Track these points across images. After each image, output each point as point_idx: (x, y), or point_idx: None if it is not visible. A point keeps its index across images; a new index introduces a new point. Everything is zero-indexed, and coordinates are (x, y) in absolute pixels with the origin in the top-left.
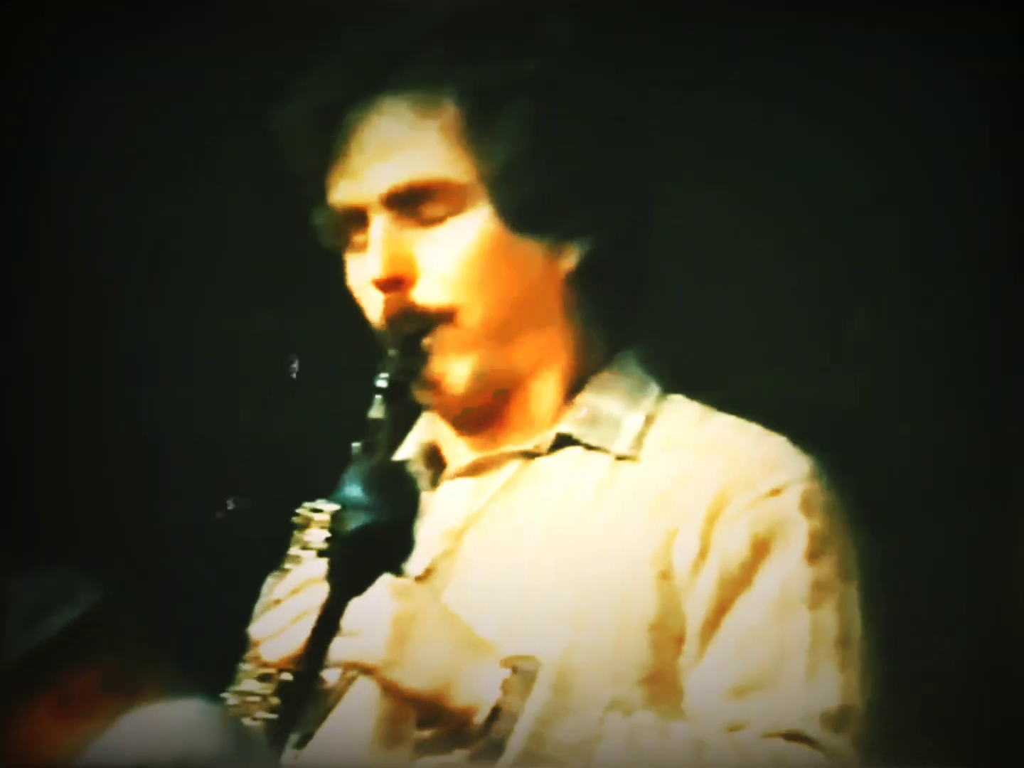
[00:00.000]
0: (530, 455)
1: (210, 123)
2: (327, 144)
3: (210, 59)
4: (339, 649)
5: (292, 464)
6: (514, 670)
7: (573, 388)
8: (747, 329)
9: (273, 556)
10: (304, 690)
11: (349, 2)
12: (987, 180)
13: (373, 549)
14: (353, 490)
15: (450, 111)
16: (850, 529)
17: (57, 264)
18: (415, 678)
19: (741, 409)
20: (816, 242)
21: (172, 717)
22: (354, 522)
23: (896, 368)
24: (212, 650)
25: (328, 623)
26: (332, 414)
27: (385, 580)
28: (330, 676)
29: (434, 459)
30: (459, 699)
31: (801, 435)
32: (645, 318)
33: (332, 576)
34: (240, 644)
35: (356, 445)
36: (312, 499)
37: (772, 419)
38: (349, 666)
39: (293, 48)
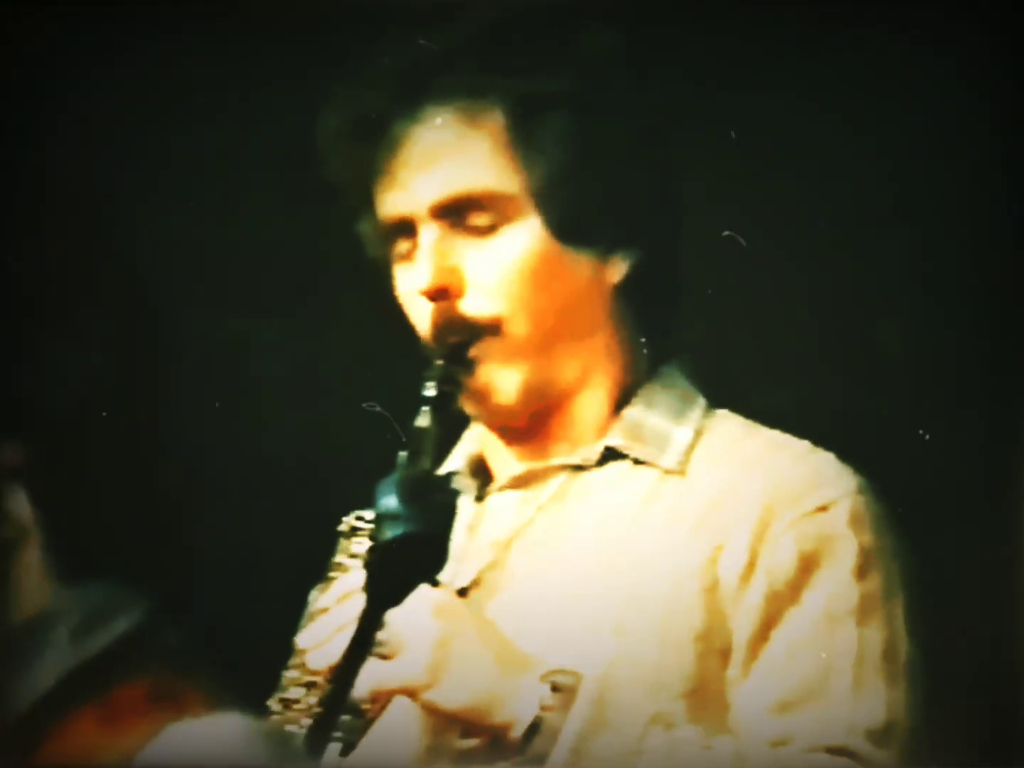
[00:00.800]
0: (578, 468)
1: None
2: (372, 154)
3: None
4: (378, 673)
5: (335, 474)
6: (554, 686)
7: (619, 400)
8: (786, 339)
9: (316, 567)
10: (341, 699)
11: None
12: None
13: (408, 559)
14: (389, 500)
15: (495, 121)
16: (896, 545)
17: (99, 277)
18: (455, 698)
19: (784, 421)
20: (843, 252)
21: (215, 730)
22: (390, 532)
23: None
24: (255, 663)
25: (365, 633)
26: (374, 424)
27: (427, 596)
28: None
29: (481, 471)
30: (499, 716)
31: (844, 448)
32: (688, 330)
33: (368, 586)
34: (282, 656)
35: (402, 454)
36: (357, 508)
37: (812, 430)
38: (388, 693)
39: (322, 54)
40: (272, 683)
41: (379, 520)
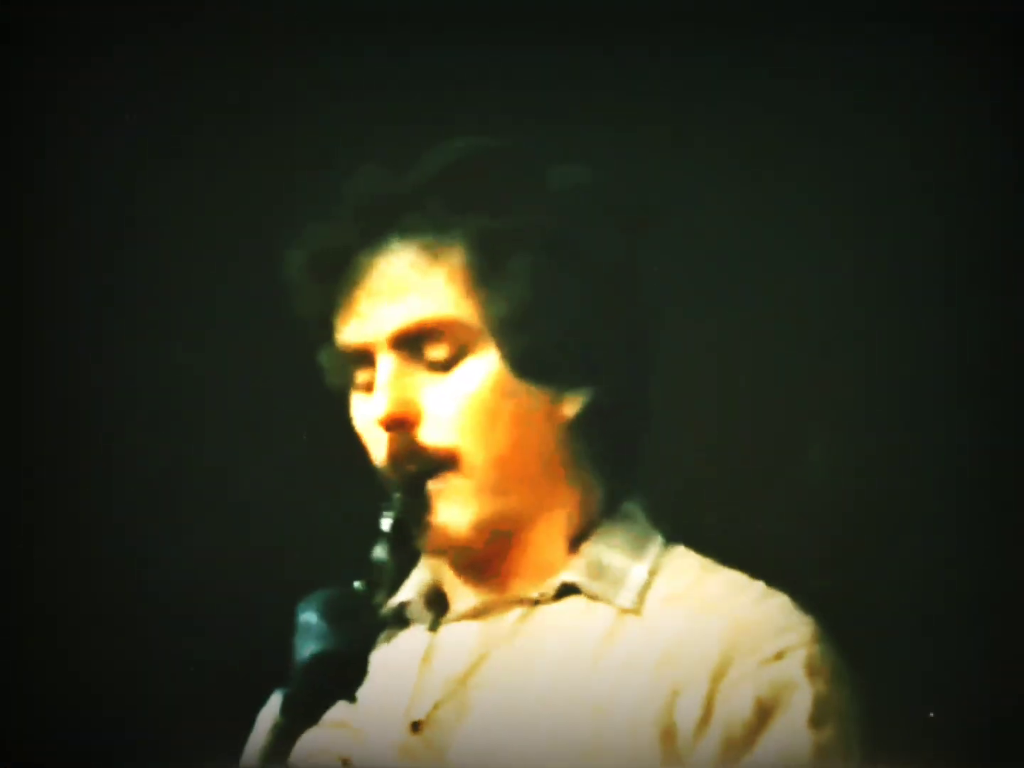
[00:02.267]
0: (535, 602)
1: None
2: (334, 290)
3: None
4: None
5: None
6: None
7: (577, 536)
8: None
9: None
10: None
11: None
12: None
13: (325, 677)
14: (310, 616)
15: (458, 256)
16: (851, 693)
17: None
18: None
19: (739, 556)
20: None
21: None
22: (308, 649)
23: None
24: None
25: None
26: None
27: (392, 737)
28: None
29: (436, 601)
30: None
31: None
32: (646, 465)
33: (285, 703)
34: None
35: (358, 584)
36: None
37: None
38: None
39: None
40: None
41: (297, 637)
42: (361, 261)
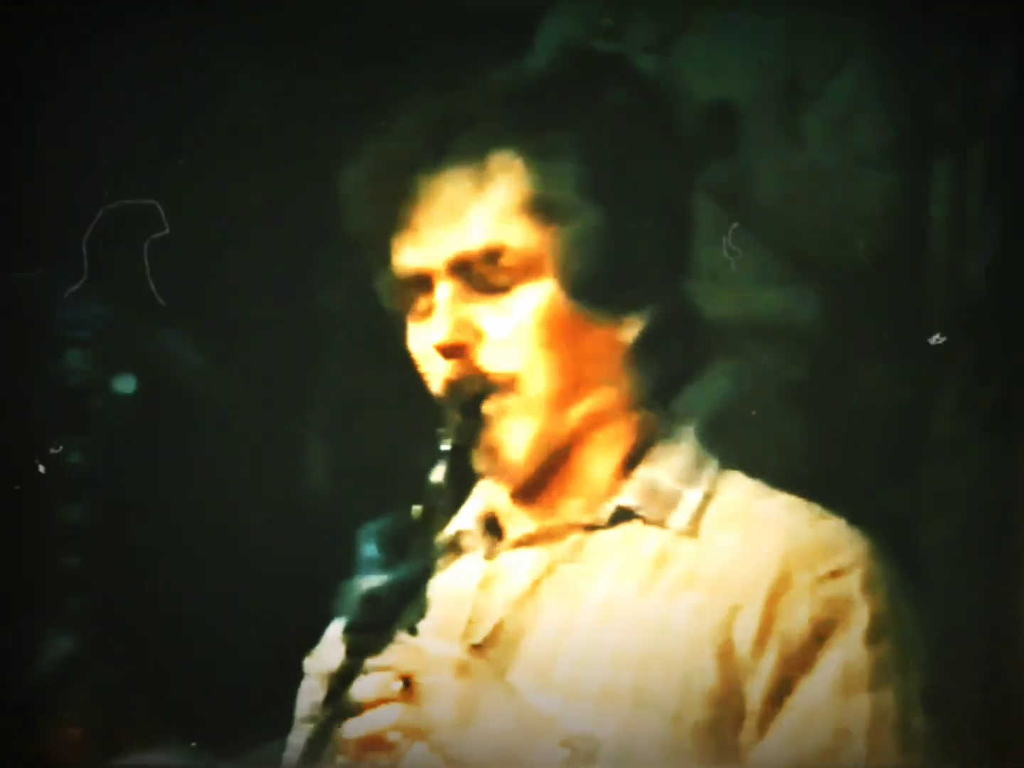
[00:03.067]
0: (589, 527)
1: None
2: (392, 209)
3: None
4: (401, 716)
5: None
6: (573, 751)
7: (631, 459)
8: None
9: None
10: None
11: None
12: None
13: (386, 608)
14: (369, 546)
15: (517, 181)
16: (909, 609)
17: None
18: (474, 757)
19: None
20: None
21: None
22: (367, 581)
23: None
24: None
25: (342, 680)
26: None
27: (449, 653)
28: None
29: (492, 528)
30: None
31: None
32: (703, 390)
33: (346, 632)
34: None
35: (416, 509)
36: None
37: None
38: (412, 733)
39: None
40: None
41: (359, 566)
42: (420, 181)
